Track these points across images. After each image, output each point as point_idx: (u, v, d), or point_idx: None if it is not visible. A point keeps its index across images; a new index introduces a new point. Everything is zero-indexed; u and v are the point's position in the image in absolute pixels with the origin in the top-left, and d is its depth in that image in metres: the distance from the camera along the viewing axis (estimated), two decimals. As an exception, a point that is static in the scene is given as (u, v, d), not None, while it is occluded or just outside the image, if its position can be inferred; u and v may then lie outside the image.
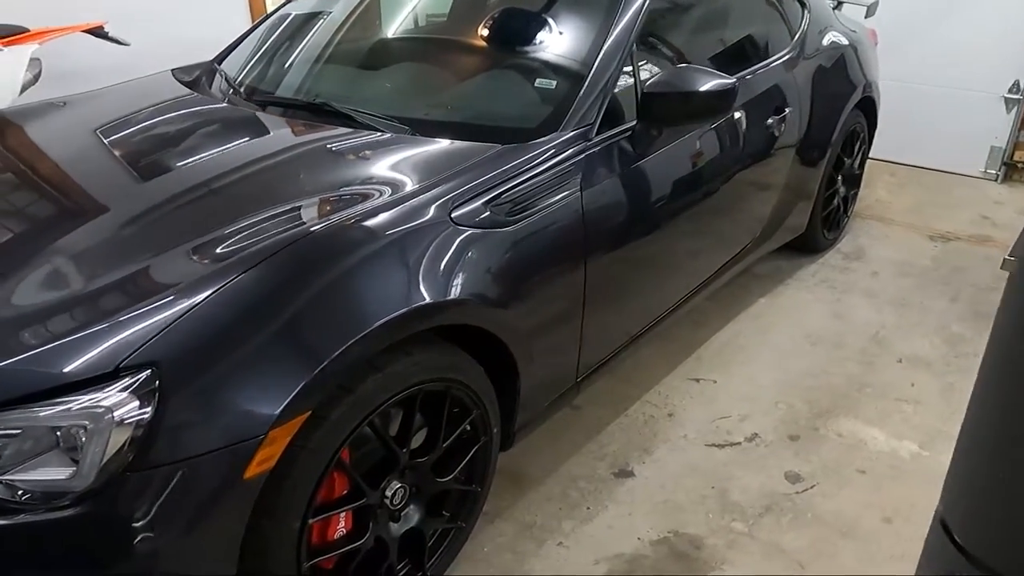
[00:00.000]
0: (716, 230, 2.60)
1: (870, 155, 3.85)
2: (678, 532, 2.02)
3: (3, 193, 1.86)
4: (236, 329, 1.32)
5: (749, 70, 2.64)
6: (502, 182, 1.73)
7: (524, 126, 1.96)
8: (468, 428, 1.76)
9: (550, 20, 2.20)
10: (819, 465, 2.26)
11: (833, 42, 3.25)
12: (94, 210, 1.73)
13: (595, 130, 1.97)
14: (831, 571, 1.90)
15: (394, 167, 1.79)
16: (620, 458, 2.28)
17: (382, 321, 1.41)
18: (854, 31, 3.62)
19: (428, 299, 1.50)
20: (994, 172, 4.55)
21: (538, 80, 2.09)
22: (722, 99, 2.03)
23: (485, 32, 2.27)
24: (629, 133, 2.06)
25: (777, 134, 2.72)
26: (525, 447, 2.29)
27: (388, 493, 1.61)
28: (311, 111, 2.15)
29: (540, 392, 1.98)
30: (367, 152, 1.88)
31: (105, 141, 2.03)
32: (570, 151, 1.89)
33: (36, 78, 3.36)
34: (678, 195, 2.26)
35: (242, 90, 2.35)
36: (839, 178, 3.47)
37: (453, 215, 1.62)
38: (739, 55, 2.69)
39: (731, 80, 2.03)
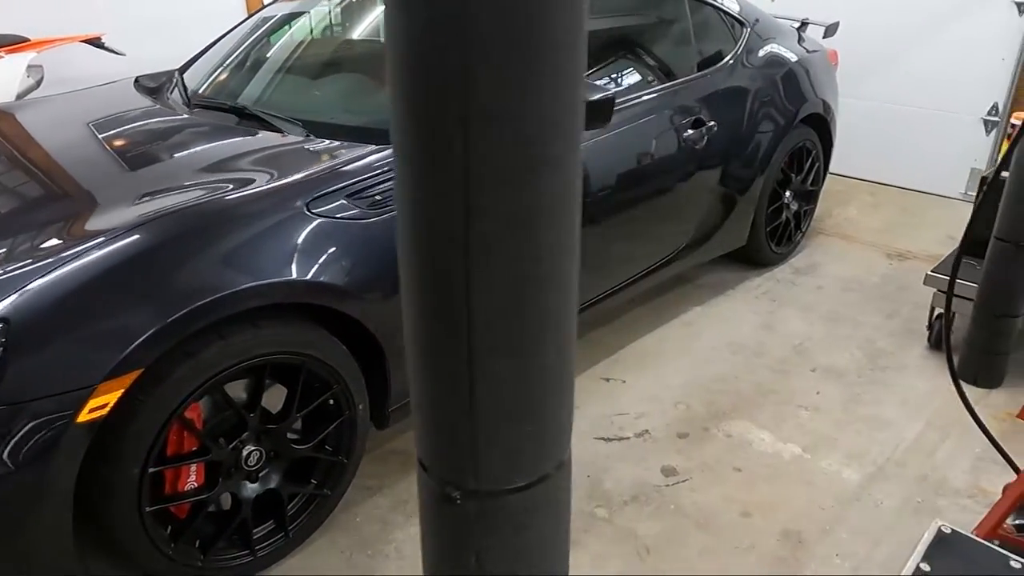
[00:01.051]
0: (626, 236, 2.71)
1: (854, 174, 3.90)
2: (541, 514, 2.13)
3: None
4: (83, 294, 1.52)
5: (663, 86, 2.77)
6: (366, 178, 1.90)
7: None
8: (332, 402, 1.92)
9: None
10: (698, 462, 2.35)
11: (777, 60, 3.34)
12: None
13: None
14: (674, 557, 1.99)
15: (270, 161, 1.99)
16: (509, 446, 2.41)
17: (218, 296, 1.59)
18: (816, 50, 3.70)
19: (267, 279, 1.67)
20: (973, 194, 4.52)
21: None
22: (602, 107, 2.17)
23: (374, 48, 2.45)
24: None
25: (697, 146, 2.83)
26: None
27: (243, 454, 1.79)
28: (235, 113, 2.36)
29: (417, 376, 2.13)
30: (256, 148, 2.08)
31: (32, 133, 2.28)
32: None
33: (38, 83, 3.68)
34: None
35: (185, 94, 2.59)
36: (787, 194, 3.54)
37: (311, 205, 1.80)
38: (651, 71, 2.82)
39: (610, 91, 2.17)
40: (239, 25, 3.04)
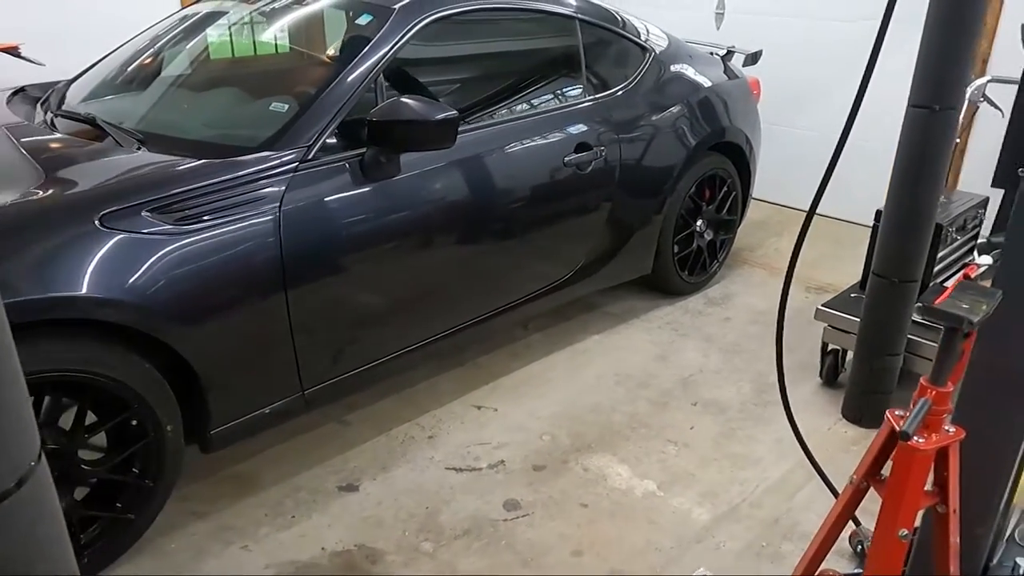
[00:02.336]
0: (503, 258, 2.63)
1: (793, 204, 3.84)
2: (364, 546, 2.05)
3: None
4: None
5: (543, 110, 2.72)
6: (176, 192, 1.85)
7: (247, 145, 2.08)
8: (135, 423, 1.85)
9: (302, 54, 2.34)
10: (546, 496, 2.26)
11: (686, 87, 3.29)
12: None
13: (312, 152, 2.08)
14: (487, 596, 1.91)
15: (80, 171, 1.93)
16: (355, 474, 2.33)
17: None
18: (737, 77, 3.66)
19: (39, 293, 1.62)
20: (909, 228, 4.43)
21: (273, 104, 2.22)
22: (444, 128, 2.12)
23: (237, 64, 2.43)
24: (360, 159, 2.16)
25: (581, 171, 2.77)
26: (273, 455, 2.39)
27: (24, 474, 1.72)
28: (89, 124, 2.32)
29: (243, 400, 2.06)
30: (79, 158, 2.03)
31: None
32: (268, 169, 1.99)
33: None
34: (428, 221, 2.33)
35: (54, 105, 2.56)
36: (698, 223, 3.47)
37: (105, 218, 1.74)
38: (536, 95, 2.77)
39: (452, 112, 2.12)
40: (140, 35, 3.00)
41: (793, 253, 1.79)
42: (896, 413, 1.44)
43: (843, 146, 1.72)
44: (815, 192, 1.74)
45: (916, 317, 2.53)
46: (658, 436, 2.56)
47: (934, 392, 1.34)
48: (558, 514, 2.19)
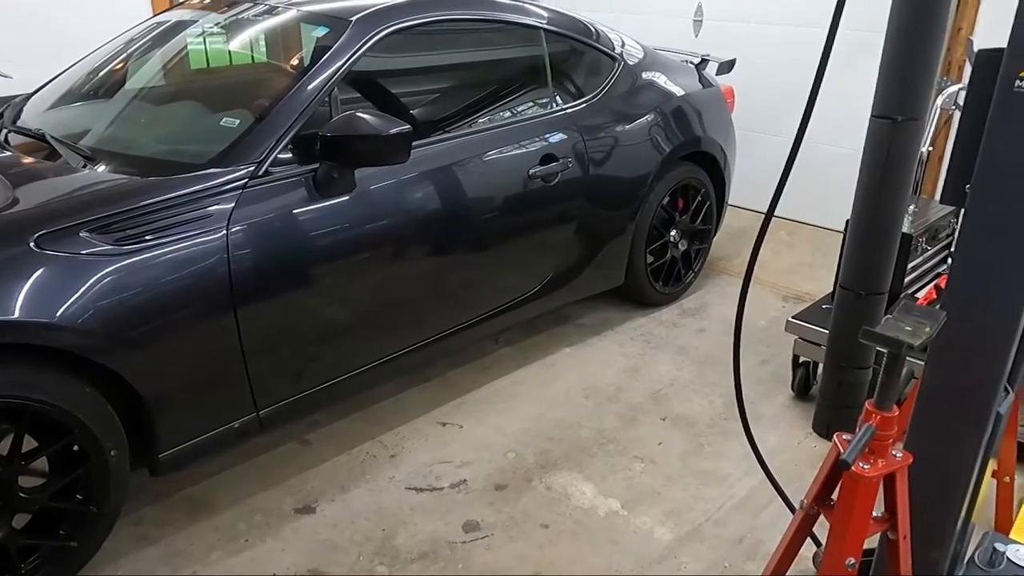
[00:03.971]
0: (457, 276, 2.58)
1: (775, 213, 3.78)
2: (317, 571, 2.01)
3: None
4: None
5: (506, 121, 2.69)
6: (117, 212, 1.81)
7: (195, 161, 2.04)
8: (77, 448, 1.81)
9: (258, 67, 2.30)
10: (507, 516, 2.22)
11: (656, 96, 3.25)
12: None
13: (263, 168, 2.04)
14: (440, 623, 1.86)
15: (22, 191, 1.89)
16: (313, 495, 2.29)
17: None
18: (711, 85, 3.63)
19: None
20: (889, 236, 4.40)
21: (225, 119, 2.18)
22: (396, 143, 2.08)
23: (194, 77, 2.39)
24: (312, 174, 2.12)
25: (547, 183, 2.73)
26: (231, 476, 2.34)
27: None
28: (39, 140, 2.28)
29: (192, 422, 2.02)
30: (21, 177, 1.98)
31: None
32: (216, 186, 1.95)
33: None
34: (386, 236, 2.29)
35: (10, 119, 2.52)
36: (672, 233, 3.44)
37: (38, 238, 1.70)
38: (500, 107, 2.73)
39: (404, 125, 2.08)
40: (102, 48, 2.96)
41: (750, 261, 1.75)
42: (844, 437, 1.40)
43: (797, 150, 1.70)
44: (771, 197, 1.71)
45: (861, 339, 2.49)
46: (625, 452, 2.52)
47: (879, 417, 1.30)
48: (518, 535, 2.15)
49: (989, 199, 1.29)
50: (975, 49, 1.67)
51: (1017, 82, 1.20)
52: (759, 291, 3.81)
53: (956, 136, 1.37)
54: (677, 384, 2.94)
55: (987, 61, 1.27)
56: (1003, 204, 1.27)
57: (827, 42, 1.55)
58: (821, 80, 1.59)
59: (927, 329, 1.25)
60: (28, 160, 2.12)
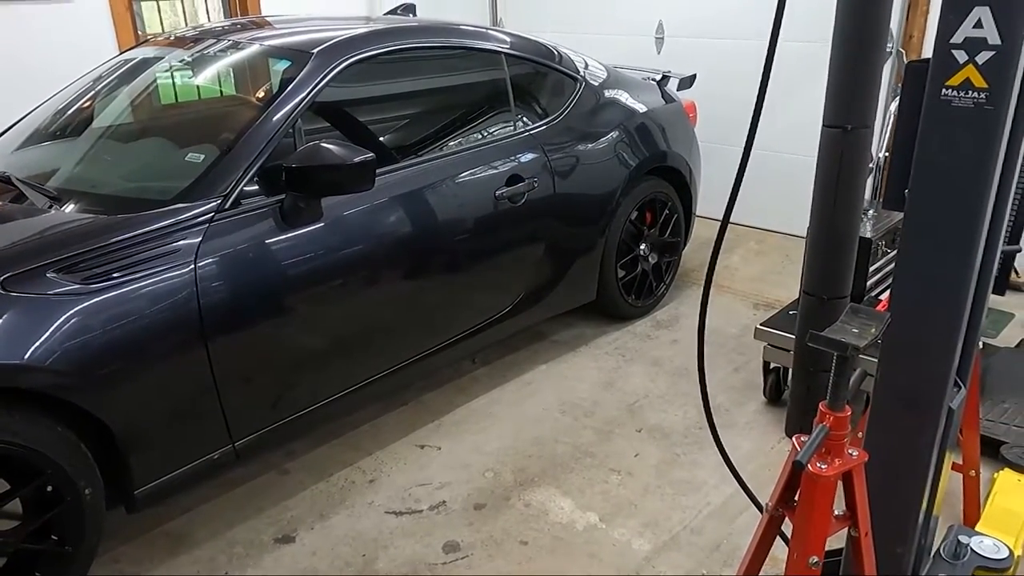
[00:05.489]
0: (428, 299, 2.61)
1: (745, 222, 3.80)
2: (298, 600, 2.01)
3: None
4: None
5: (470, 144, 2.74)
6: (83, 251, 1.82)
7: (161, 197, 2.06)
8: (51, 488, 1.81)
9: (222, 102, 2.33)
10: (486, 535, 2.23)
11: (619, 113, 3.32)
12: None
13: (229, 201, 2.06)
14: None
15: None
16: (292, 524, 2.29)
17: None
18: (673, 101, 3.70)
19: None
20: (856, 240, 4.49)
21: (190, 154, 2.20)
22: (360, 171, 2.11)
23: (160, 113, 2.42)
24: (279, 205, 2.15)
25: (514, 203, 2.78)
26: (209, 509, 2.34)
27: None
28: (3, 182, 2.29)
29: (168, 457, 2.02)
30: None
31: None
32: (182, 221, 1.97)
33: None
34: (356, 263, 2.32)
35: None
36: (642, 246, 3.49)
37: (4, 280, 1.71)
38: (458, 130, 2.78)
39: (368, 154, 2.11)
40: (69, 86, 2.98)
41: (708, 270, 1.79)
42: (802, 439, 1.44)
43: (747, 158, 1.74)
44: (726, 203, 1.76)
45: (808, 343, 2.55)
46: (601, 466, 2.55)
47: (832, 417, 1.34)
48: (497, 553, 2.16)
49: (925, 202, 1.34)
50: (905, 61, 1.74)
51: (943, 91, 1.26)
52: (730, 300, 3.86)
53: (893, 144, 1.43)
54: (652, 396, 2.98)
55: (915, 72, 1.33)
56: (937, 206, 1.32)
57: (768, 55, 1.60)
58: (765, 92, 1.63)
59: (872, 330, 1.30)
60: (-6, 203, 2.14)
